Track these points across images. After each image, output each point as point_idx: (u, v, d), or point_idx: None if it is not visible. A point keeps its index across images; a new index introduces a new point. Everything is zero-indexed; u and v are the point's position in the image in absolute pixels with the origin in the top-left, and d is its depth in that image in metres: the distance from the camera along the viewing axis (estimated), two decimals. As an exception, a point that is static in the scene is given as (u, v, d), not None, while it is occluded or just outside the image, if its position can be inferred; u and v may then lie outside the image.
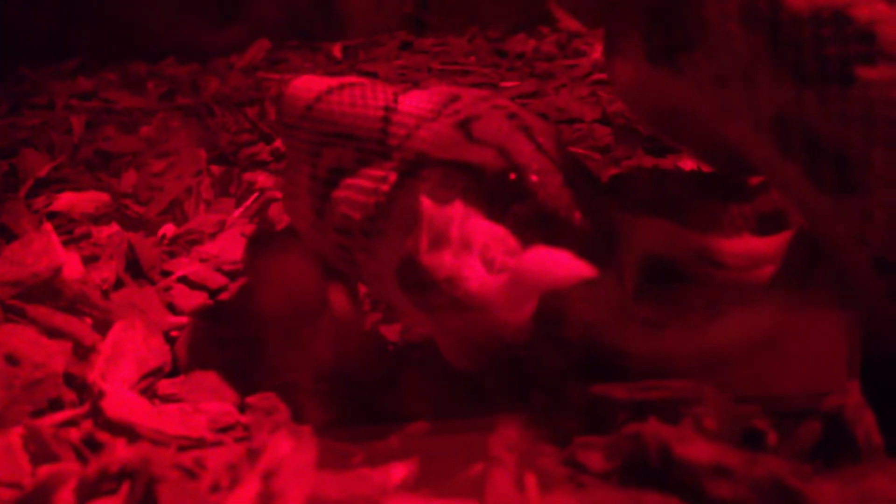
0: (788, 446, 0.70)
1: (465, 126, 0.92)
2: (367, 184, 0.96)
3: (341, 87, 1.04)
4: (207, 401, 1.00)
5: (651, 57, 0.92)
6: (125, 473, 0.77)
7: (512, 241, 0.81)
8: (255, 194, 1.65)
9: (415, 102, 0.99)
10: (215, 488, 0.70)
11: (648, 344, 0.82)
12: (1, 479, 0.78)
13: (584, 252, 0.75)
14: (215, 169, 1.84)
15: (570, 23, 3.44)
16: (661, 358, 0.81)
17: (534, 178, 0.85)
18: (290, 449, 0.66)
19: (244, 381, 1.03)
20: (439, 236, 0.80)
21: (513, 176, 0.86)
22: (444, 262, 0.78)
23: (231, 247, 1.37)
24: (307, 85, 1.06)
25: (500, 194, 0.86)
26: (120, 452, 0.80)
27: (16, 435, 0.84)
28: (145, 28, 3.48)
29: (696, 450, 0.63)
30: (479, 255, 0.79)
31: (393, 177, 0.94)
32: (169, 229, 1.51)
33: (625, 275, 0.81)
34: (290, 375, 1.01)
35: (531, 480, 0.59)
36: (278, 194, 1.52)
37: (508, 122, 0.92)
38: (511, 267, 0.77)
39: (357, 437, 0.79)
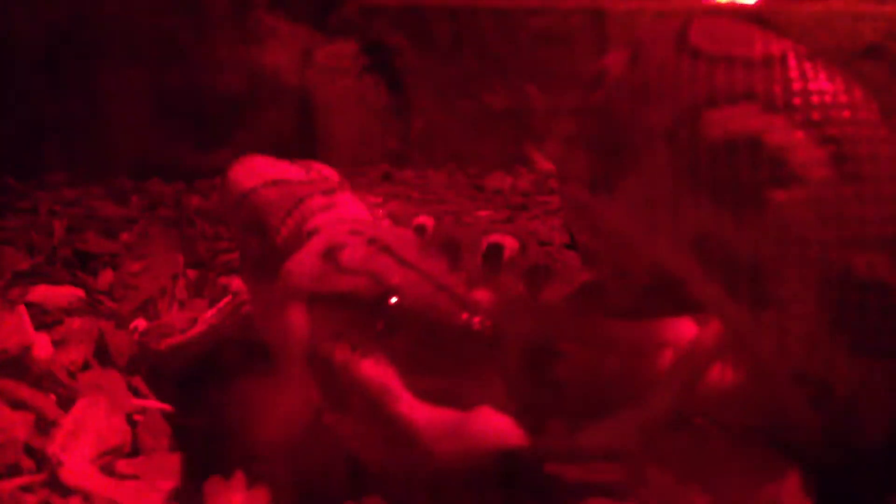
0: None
1: (330, 255, 0.97)
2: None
3: (273, 182, 1.11)
4: (165, 480, 1.00)
5: (592, 186, 0.97)
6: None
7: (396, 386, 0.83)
8: (229, 297, 1.67)
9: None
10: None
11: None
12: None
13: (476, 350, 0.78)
14: (191, 273, 1.87)
15: (545, 164, 3.57)
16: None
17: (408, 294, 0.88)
18: (241, 499, 0.67)
19: (206, 467, 1.03)
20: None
21: (390, 300, 0.89)
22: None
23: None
24: (246, 173, 1.19)
25: (377, 320, 0.89)
26: (75, 507, 0.80)
27: (-29, 497, 0.84)
28: (132, 148, 3.57)
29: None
30: None
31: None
32: (141, 323, 1.53)
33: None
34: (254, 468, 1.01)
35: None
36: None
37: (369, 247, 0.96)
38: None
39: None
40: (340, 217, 1.09)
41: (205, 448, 1.09)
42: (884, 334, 0.77)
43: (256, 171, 1.26)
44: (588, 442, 0.82)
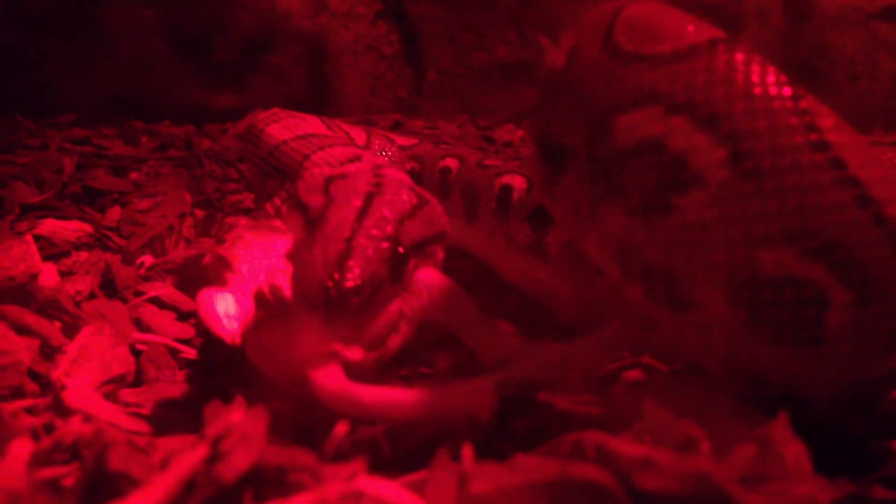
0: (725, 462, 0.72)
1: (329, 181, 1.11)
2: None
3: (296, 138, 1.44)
4: (167, 409, 1.02)
5: (541, 185, 1.00)
6: (80, 446, 0.79)
7: None
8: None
9: (324, 158, 1.31)
10: (164, 461, 0.71)
11: None
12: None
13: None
14: (199, 212, 1.88)
15: (558, 58, 3.53)
16: None
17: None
18: (240, 417, 0.68)
19: (206, 397, 1.04)
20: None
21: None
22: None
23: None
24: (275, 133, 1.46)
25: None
26: (75, 426, 0.82)
27: (-25, 416, 0.85)
28: (143, 89, 3.56)
29: (627, 447, 0.65)
30: None
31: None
32: (147, 259, 1.54)
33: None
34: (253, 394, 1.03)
35: (467, 452, 0.61)
36: (260, 219, 1.57)
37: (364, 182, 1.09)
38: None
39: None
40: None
41: (205, 380, 1.11)
42: (803, 325, 0.78)
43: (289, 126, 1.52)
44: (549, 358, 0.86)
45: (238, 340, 0.92)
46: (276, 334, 0.90)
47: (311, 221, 1.02)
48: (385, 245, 0.97)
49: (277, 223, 1.08)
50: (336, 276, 0.90)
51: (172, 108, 3.44)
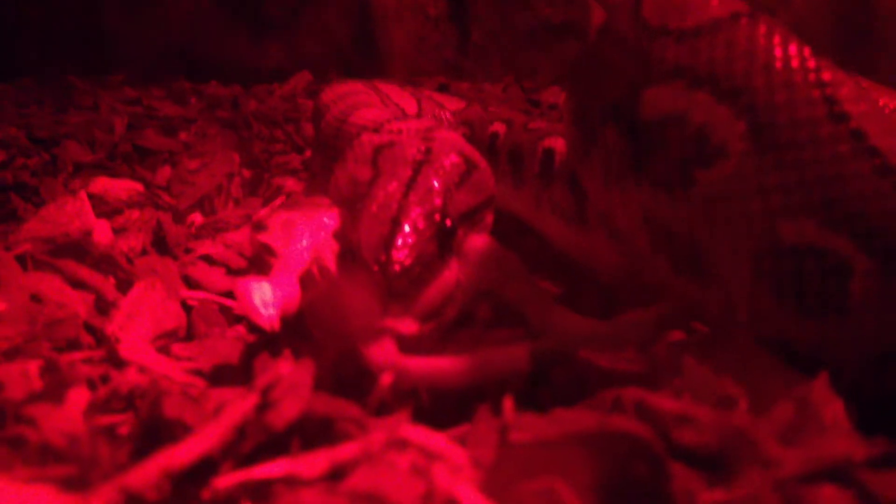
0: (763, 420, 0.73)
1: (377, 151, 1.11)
2: None
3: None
4: (217, 363, 1.04)
5: (574, 153, 1.02)
6: (135, 395, 0.82)
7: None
8: (283, 197, 1.71)
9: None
10: (217, 409, 0.74)
11: None
12: (17, 397, 0.81)
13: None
14: (247, 173, 1.90)
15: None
16: None
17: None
18: (289, 369, 0.70)
19: (256, 353, 1.07)
20: None
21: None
22: None
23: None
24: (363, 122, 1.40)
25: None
26: (130, 376, 0.85)
27: (34, 365, 0.88)
28: (195, 48, 3.59)
29: (666, 402, 0.66)
30: None
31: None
32: (197, 218, 1.57)
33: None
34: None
35: (509, 404, 0.62)
36: (304, 199, 1.60)
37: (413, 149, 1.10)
38: None
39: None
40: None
41: (254, 335, 1.13)
42: (827, 294, 0.78)
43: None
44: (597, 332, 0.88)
45: (277, 326, 0.93)
46: (329, 312, 0.92)
47: (359, 197, 1.01)
48: (433, 220, 0.97)
49: (325, 200, 1.09)
50: (383, 258, 0.90)
51: (222, 66, 3.47)
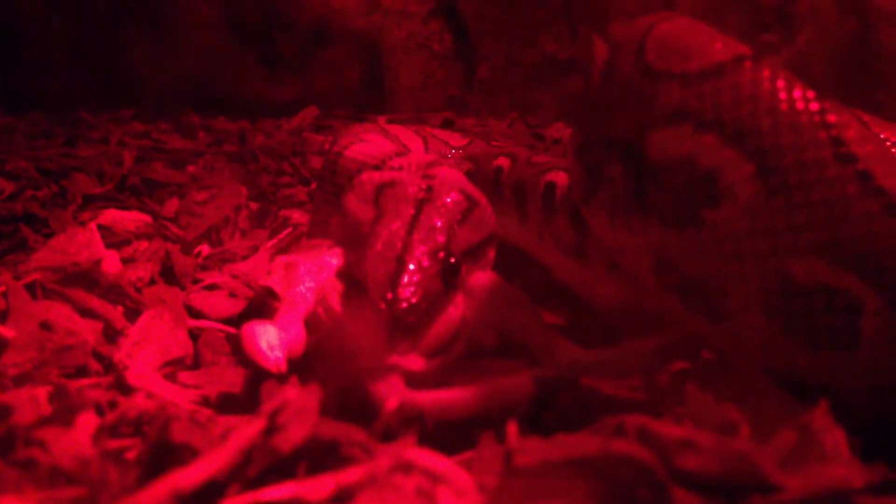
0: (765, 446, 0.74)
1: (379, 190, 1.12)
2: None
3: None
4: (224, 391, 1.05)
5: (580, 194, 1.02)
6: (142, 420, 0.83)
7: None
8: (289, 229, 1.72)
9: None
10: (224, 434, 0.75)
11: None
12: (27, 421, 0.81)
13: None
14: (254, 205, 1.92)
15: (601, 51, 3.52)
16: None
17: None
18: (295, 394, 0.71)
19: (262, 381, 1.07)
20: None
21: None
22: None
23: (261, 268, 1.43)
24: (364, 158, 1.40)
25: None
26: (138, 401, 0.86)
27: (43, 391, 0.88)
28: (200, 83, 3.64)
29: (669, 428, 0.67)
30: None
31: None
32: (204, 249, 1.59)
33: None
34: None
35: (512, 428, 0.63)
36: (304, 242, 1.62)
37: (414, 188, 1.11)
38: None
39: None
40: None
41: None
42: (838, 331, 0.79)
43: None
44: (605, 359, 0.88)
45: (284, 368, 0.95)
46: (335, 351, 0.93)
47: (363, 237, 1.02)
48: (437, 257, 0.98)
49: (327, 242, 1.10)
50: (389, 296, 0.91)
51: (234, 101, 3.51)
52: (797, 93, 0.79)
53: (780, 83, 0.80)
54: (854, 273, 0.77)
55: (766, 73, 0.81)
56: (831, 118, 0.78)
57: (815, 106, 0.79)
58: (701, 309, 0.86)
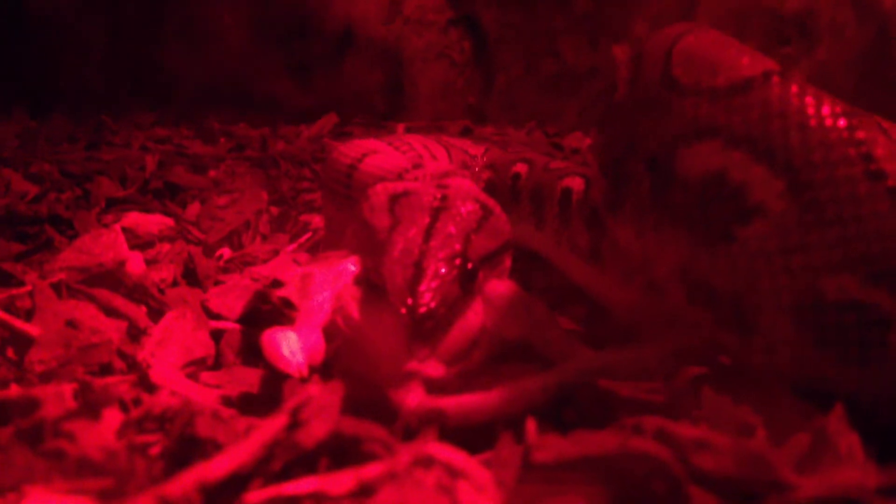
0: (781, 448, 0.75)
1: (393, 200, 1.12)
2: None
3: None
4: (245, 391, 1.06)
5: (606, 205, 1.04)
6: (167, 417, 0.85)
7: None
8: (309, 233, 1.74)
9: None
10: (248, 429, 0.76)
11: None
12: (55, 415, 0.83)
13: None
14: (274, 209, 1.94)
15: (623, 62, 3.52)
16: None
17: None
18: (318, 391, 0.72)
19: (283, 381, 1.08)
20: None
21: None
22: None
23: (282, 271, 1.44)
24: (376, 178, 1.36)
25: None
26: (163, 398, 0.87)
27: (68, 388, 0.90)
28: (225, 89, 3.67)
29: (686, 429, 0.68)
30: None
31: None
32: (226, 252, 1.60)
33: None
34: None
35: (531, 426, 0.64)
36: (319, 254, 1.63)
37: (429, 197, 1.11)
38: None
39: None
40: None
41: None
42: (868, 346, 0.80)
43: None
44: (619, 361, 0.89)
45: (306, 373, 0.95)
46: (355, 358, 0.94)
47: (379, 245, 1.03)
48: (455, 264, 0.99)
49: (341, 252, 1.11)
50: (409, 302, 0.91)
51: (255, 105, 3.55)
52: (826, 109, 0.80)
53: (809, 99, 0.81)
54: (885, 289, 0.78)
55: (795, 88, 0.82)
56: (860, 135, 0.79)
57: (843, 122, 0.79)
58: (730, 322, 0.86)
